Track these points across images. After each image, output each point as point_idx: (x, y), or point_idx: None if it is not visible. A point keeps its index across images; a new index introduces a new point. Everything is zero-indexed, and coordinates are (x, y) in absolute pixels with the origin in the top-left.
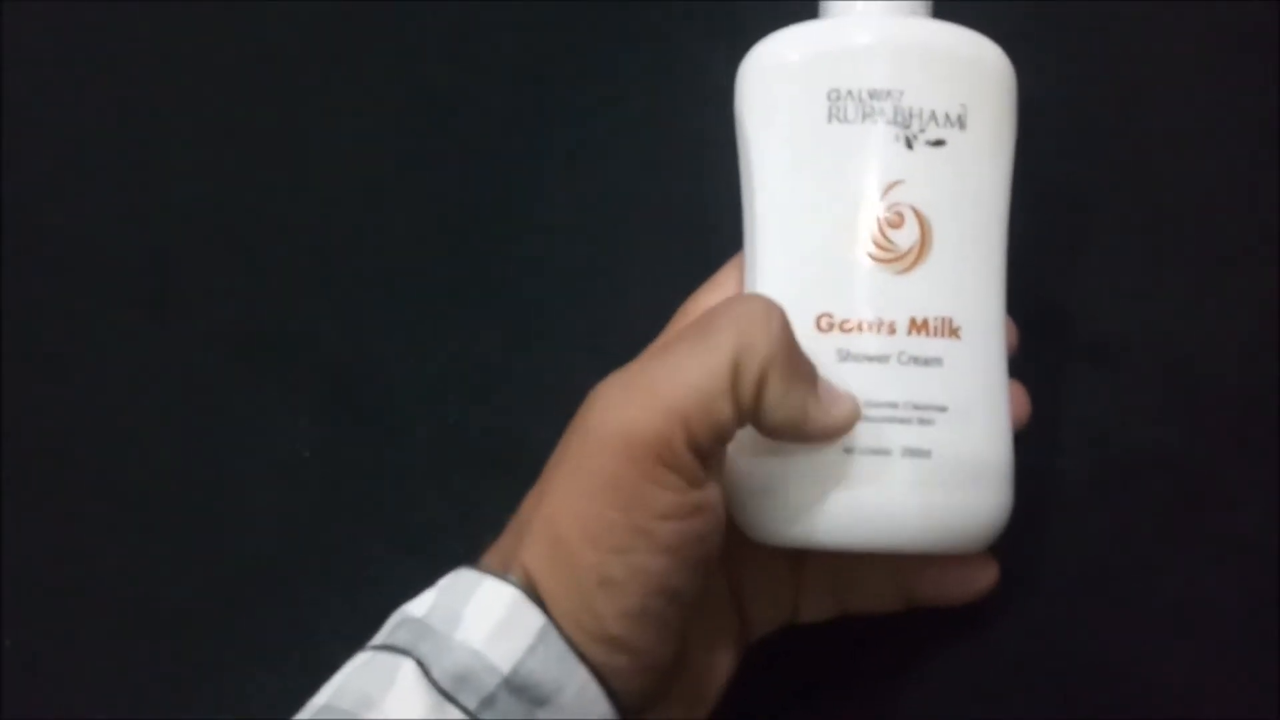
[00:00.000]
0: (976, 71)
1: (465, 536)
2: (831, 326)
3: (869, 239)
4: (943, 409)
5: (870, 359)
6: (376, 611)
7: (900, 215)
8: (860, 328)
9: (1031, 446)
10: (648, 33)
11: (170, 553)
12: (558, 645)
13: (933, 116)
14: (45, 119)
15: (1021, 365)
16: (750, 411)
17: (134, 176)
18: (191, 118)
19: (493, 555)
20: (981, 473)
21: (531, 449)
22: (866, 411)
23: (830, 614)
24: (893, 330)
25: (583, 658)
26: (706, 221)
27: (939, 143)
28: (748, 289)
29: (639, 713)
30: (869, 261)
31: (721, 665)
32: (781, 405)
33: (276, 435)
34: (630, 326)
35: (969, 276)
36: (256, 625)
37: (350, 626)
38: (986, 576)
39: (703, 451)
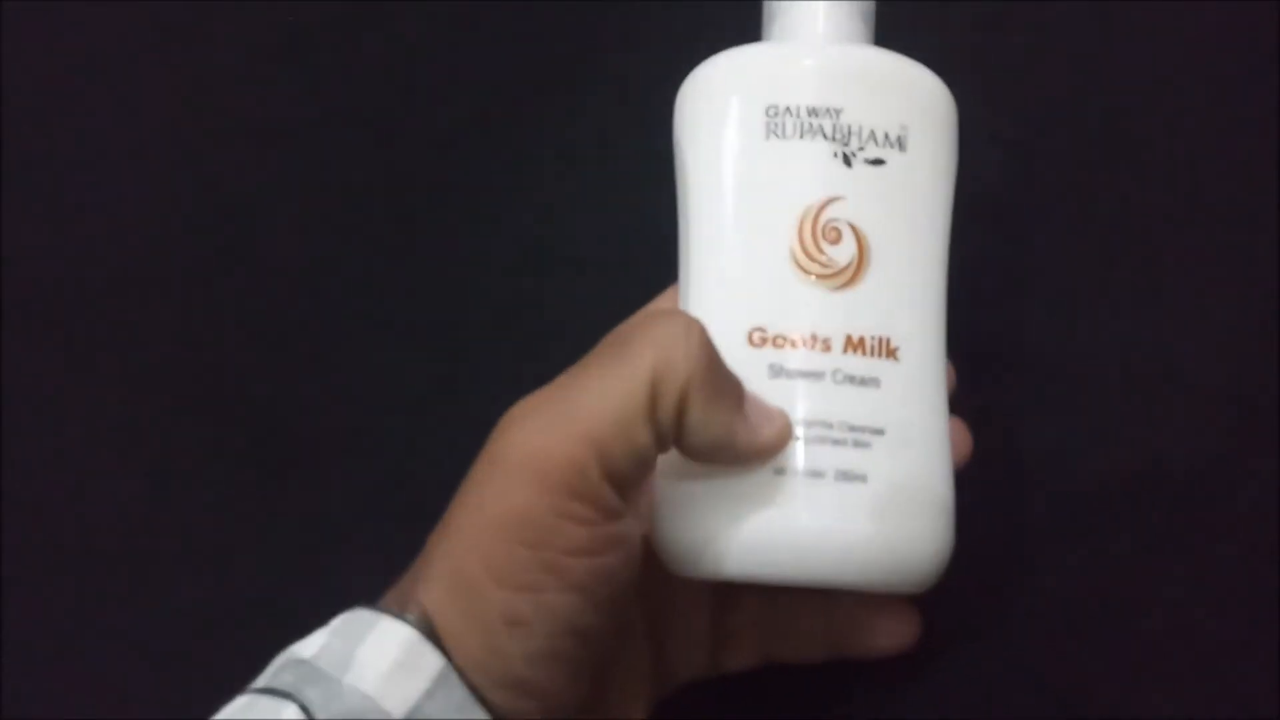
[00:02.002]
0: (916, 95)
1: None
2: (764, 341)
3: (805, 254)
4: (879, 431)
5: (803, 375)
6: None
7: (838, 231)
8: (794, 343)
9: (988, 478)
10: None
11: (159, 552)
12: (458, 690)
13: (872, 135)
14: None
15: (981, 394)
16: (670, 435)
17: (109, 176)
18: (128, 142)
19: (393, 595)
20: (921, 503)
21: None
22: (799, 431)
23: (752, 662)
24: (828, 347)
25: (485, 704)
26: (657, 250)
27: (878, 161)
28: (681, 300)
29: None
30: (805, 277)
31: (635, 712)
32: (705, 427)
33: (260, 436)
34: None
35: (908, 297)
36: (246, 627)
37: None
38: (907, 629)
39: (620, 481)
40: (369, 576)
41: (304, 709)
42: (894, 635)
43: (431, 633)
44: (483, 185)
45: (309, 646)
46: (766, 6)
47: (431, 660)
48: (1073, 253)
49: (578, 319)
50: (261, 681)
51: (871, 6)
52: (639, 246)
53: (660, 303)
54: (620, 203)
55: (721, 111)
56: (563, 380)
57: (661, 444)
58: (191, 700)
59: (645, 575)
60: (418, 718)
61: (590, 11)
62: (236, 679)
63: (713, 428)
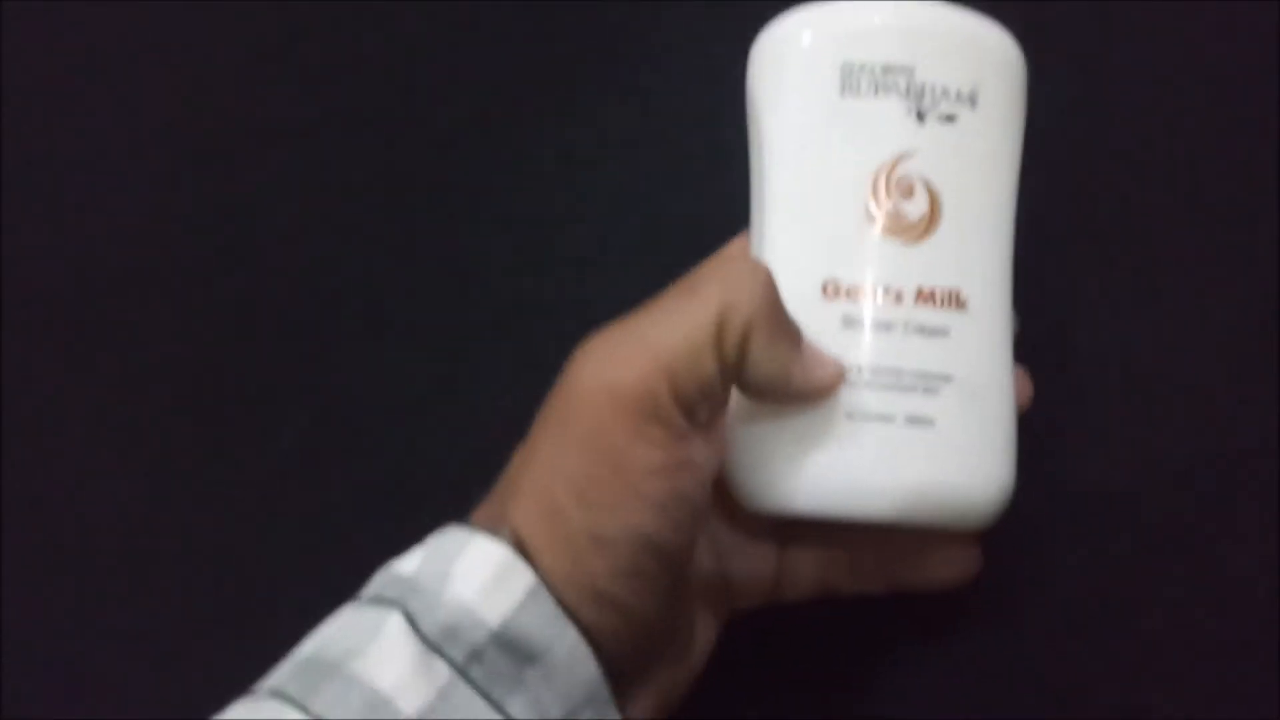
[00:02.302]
0: (988, 53)
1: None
2: (838, 293)
3: (878, 209)
4: (948, 379)
5: (875, 326)
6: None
7: (911, 186)
8: (866, 295)
9: (1034, 454)
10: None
11: (159, 552)
12: (548, 604)
13: (944, 92)
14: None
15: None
16: (734, 367)
17: (109, 176)
18: (144, 125)
19: (482, 514)
20: (986, 446)
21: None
22: (870, 379)
23: (812, 593)
24: (899, 299)
25: (573, 617)
26: (709, 216)
27: (950, 118)
28: (754, 254)
29: (626, 672)
30: (878, 230)
31: (704, 636)
32: (765, 363)
33: (260, 436)
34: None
35: (977, 251)
36: (236, 614)
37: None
38: (970, 563)
39: (689, 407)
40: (369, 575)
41: (408, 617)
42: (954, 568)
43: (522, 551)
44: (483, 185)
45: (408, 564)
46: None
47: (523, 576)
48: (1074, 253)
49: (578, 319)
50: (366, 593)
51: None
52: (640, 246)
53: (729, 250)
54: (621, 203)
55: (797, 67)
56: (635, 316)
57: (726, 376)
58: (191, 700)
59: (714, 507)
60: (511, 628)
61: (593, 10)
62: (236, 677)
63: (771, 365)
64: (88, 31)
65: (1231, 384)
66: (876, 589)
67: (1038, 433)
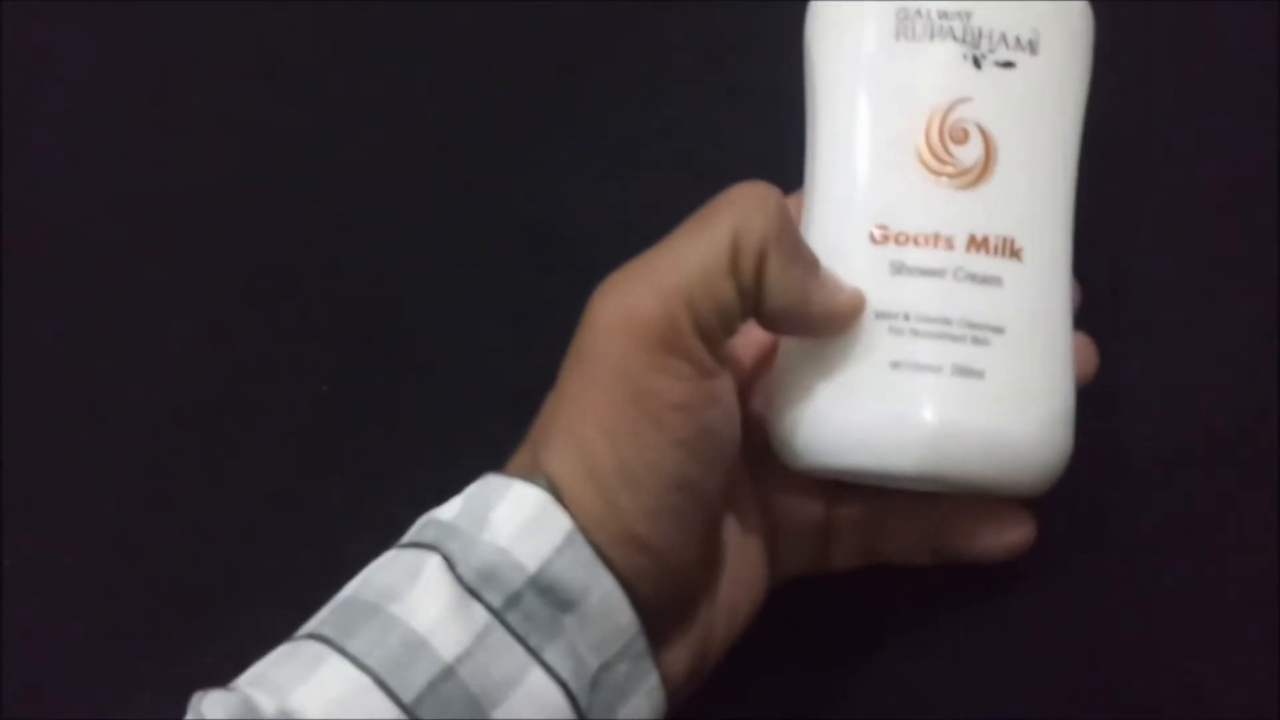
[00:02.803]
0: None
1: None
2: (886, 238)
3: (931, 154)
4: (999, 330)
5: (925, 273)
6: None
7: (965, 131)
8: (916, 241)
9: (1088, 420)
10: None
11: (185, 488)
12: (584, 550)
13: (1003, 38)
14: (58, 64)
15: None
16: (752, 291)
17: (153, 109)
18: (214, 66)
19: (517, 461)
20: (1039, 402)
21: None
22: (917, 326)
23: (858, 562)
24: (950, 245)
25: (608, 562)
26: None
27: (1008, 64)
28: (805, 205)
29: (661, 624)
30: (929, 175)
31: (745, 601)
32: (782, 286)
33: (298, 371)
34: None
35: (1034, 199)
36: (272, 561)
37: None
38: (1020, 533)
39: (710, 336)
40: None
41: (446, 560)
42: (1003, 538)
43: (557, 495)
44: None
45: (448, 510)
46: None
47: (560, 520)
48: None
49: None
50: (406, 539)
51: None
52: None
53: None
54: (633, 195)
55: (853, 12)
56: (650, 250)
57: (744, 301)
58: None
59: (759, 466)
60: (548, 573)
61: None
62: (235, 605)
63: (789, 290)
64: (91, 30)
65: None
66: (924, 560)
67: (1095, 402)
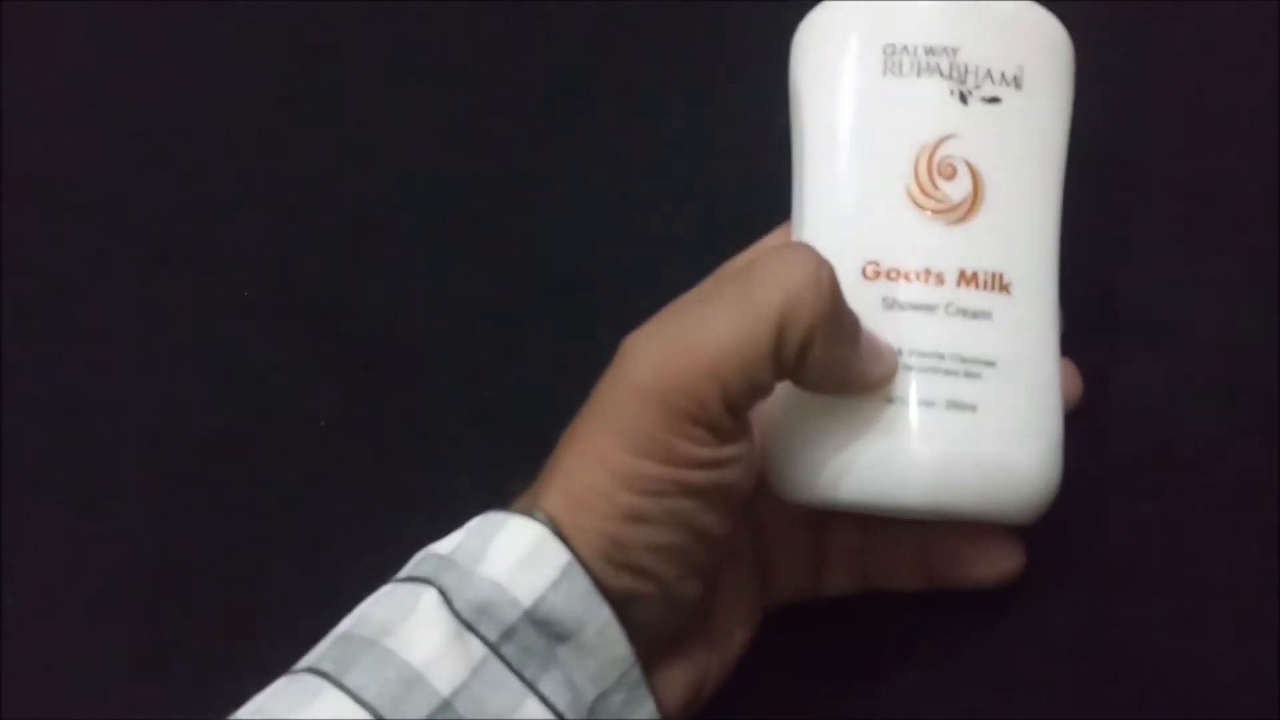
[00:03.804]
0: (1034, 35)
1: (489, 504)
2: (878, 274)
3: (920, 190)
4: (991, 363)
5: (916, 308)
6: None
7: (953, 167)
8: (907, 276)
9: (1076, 430)
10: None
11: (183, 514)
12: (582, 582)
13: (989, 74)
14: (66, 76)
15: (1070, 344)
16: (791, 371)
17: (164, 135)
18: (224, 71)
19: (522, 500)
20: (1030, 434)
21: (560, 418)
22: (911, 361)
23: (852, 588)
24: (941, 281)
25: (606, 594)
26: (745, 197)
27: (994, 100)
28: (793, 238)
29: (657, 656)
30: (919, 212)
31: (740, 628)
32: (823, 366)
33: (298, 400)
34: (663, 298)
35: (1022, 234)
36: (270, 589)
37: (366, 593)
38: (1011, 561)
39: (738, 409)
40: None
41: (442, 593)
42: (994, 566)
43: (557, 529)
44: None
45: (446, 544)
46: None
47: (558, 554)
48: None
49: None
50: (403, 573)
51: None
52: (660, 251)
53: (769, 242)
54: (672, 199)
55: (839, 49)
56: (686, 308)
57: (780, 378)
58: (190, 701)
59: (754, 497)
60: (544, 607)
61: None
62: (237, 677)
63: (830, 366)
64: (97, 30)
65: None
66: (916, 585)
67: (1083, 415)
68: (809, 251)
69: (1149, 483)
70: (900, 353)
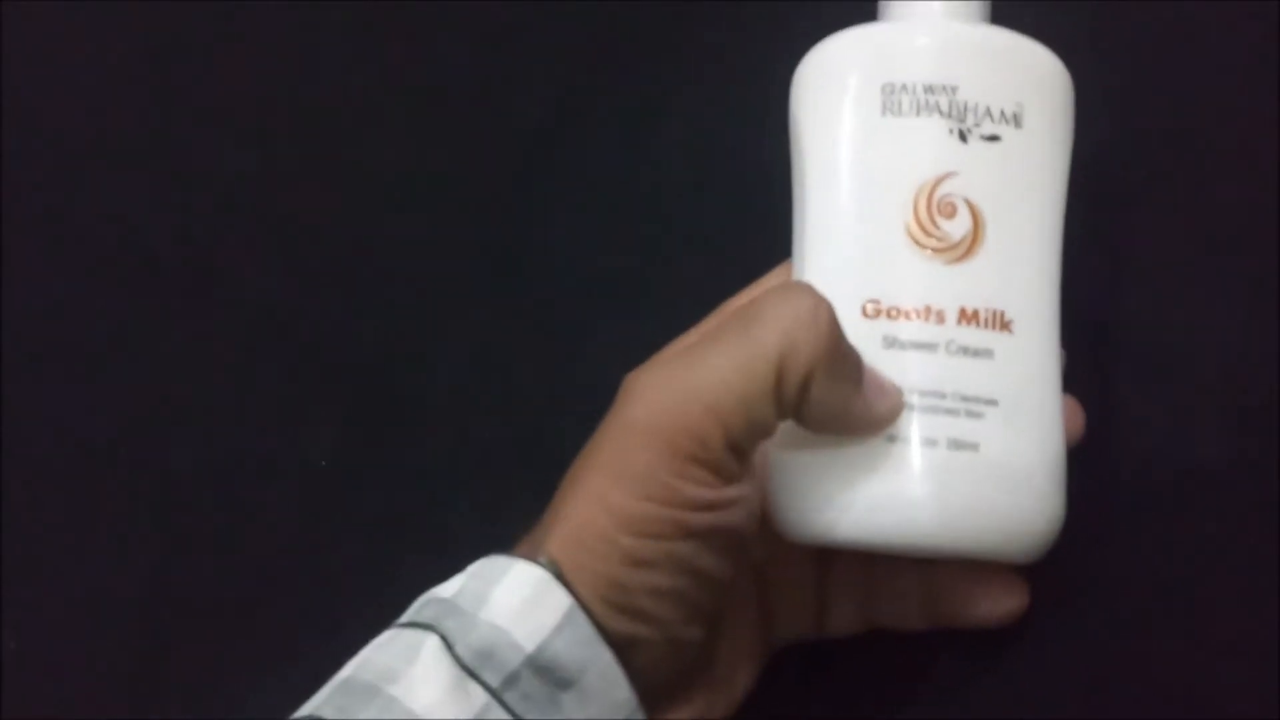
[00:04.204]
0: (1033, 72)
1: (489, 545)
2: (878, 313)
3: (920, 228)
4: (993, 402)
5: (917, 346)
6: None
7: (953, 206)
8: (908, 315)
9: (1080, 459)
10: (691, 44)
11: (182, 556)
12: (584, 627)
13: (988, 112)
14: (66, 116)
15: (1070, 377)
16: (792, 410)
17: (160, 173)
18: (220, 116)
19: (524, 545)
20: (1033, 473)
21: (559, 457)
22: (912, 400)
23: (855, 628)
24: (941, 319)
25: (608, 638)
26: (744, 235)
27: (994, 138)
28: (795, 276)
29: (660, 699)
30: (919, 250)
31: (744, 669)
32: (825, 403)
33: (296, 440)
34: (663, 336)
35: (1022, 271)
36: (270, 632)
37: (367, 636)
38: (1014, 600)
39: (740, 449)
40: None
41: (444, 639)
42: (998, 605)
43: (559, 574)
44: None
45: (448, 588)
46: None
47: (560, 599)
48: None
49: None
50: (405, 618)
51: None
52: (661, 292)
53: (770, 280)
54: (671, 233)
55: (839, 89)
56: (687, 347)
57: (782, 417)
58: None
59: (757, 537)
60: (547, 652)
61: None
62: (233, 680)
63: (832, 404)
64: (110, 26)
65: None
66: (919, 625)
67: (1087, 445)
68: (807, 289)
69: (1154, 514)
70: (902, 391)
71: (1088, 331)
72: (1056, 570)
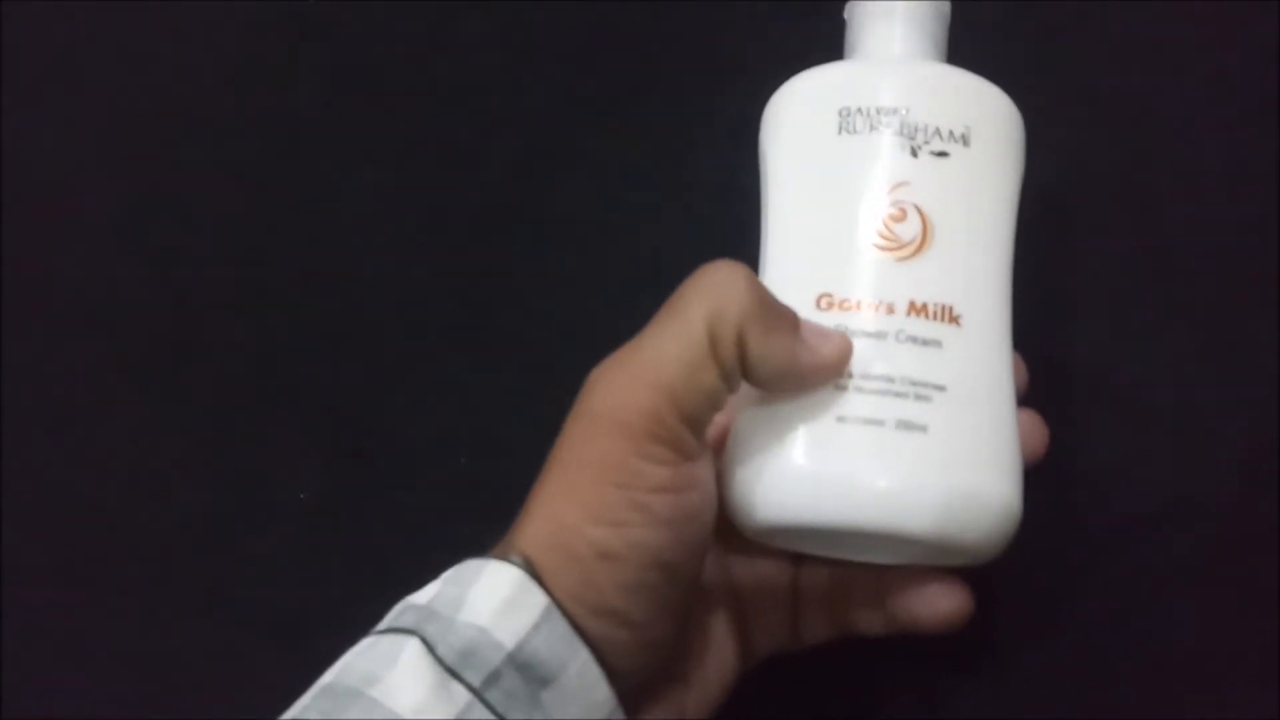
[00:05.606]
0: (981, 102)
1: None
2: (831, 305)
3: (872, 229)
4: (940, 388)
5: (867, 335)
6: None
7: (903, 210)
8: (859, 306)
9: (1044, 492)
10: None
11: (169, 597)
12: (561, 624)
13: (937, 131)
14: (56, 162)
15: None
16: (737, 371)
17: (145, 220)
18: (205, 167)
19: (498, 547)
20: (984, 460)
21: None
22: (862, 384)
23: (828, 635)
24: (891, 310)
25: (584, 636)
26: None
27: (943, 154)
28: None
29: (637, 697)
30: (871, 248)
31: (718, 674)
32: (767, 356)
33: (282, 480)
34: None
35: (970, 272)
36: (256, 669)
37: None
38: (951, 603)
39: (694, 421)
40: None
41: (425, 642)
42: (936, 607)
43: (534, 573)
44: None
45: (423, 595)
46: (847, 31)
47: (537, 598)
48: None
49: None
50: (383, 624)
51: (944, 31)
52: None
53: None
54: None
55: (800, 114)
56: (633, 341)
57: (729, 381)
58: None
59: (725, 541)
60: (526, 649)
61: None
62: (235, 680)
63: (774, 356)
64: (91, 66)
65: (1246, 428)
66: (879, 629)
67: (1051, 478)
68: (724, 262)
69: (1118, 548)
70: (852, 376)
71: (1043, 364)
72: (1025, 597)
